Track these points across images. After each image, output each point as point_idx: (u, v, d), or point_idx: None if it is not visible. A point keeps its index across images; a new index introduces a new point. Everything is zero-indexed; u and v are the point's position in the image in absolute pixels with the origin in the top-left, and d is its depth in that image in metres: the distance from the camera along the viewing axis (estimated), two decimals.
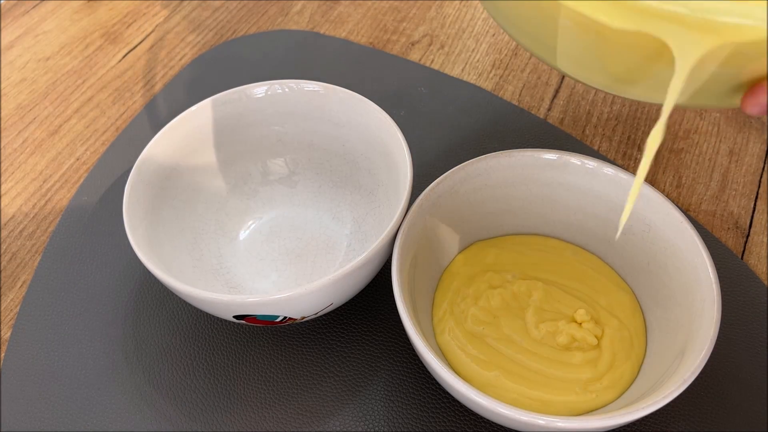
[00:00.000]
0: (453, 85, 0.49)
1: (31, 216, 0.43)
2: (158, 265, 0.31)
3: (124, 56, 0.54)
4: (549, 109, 0.47)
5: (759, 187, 0.42)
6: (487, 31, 0.54)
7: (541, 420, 0.25)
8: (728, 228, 0.40)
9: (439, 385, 0.33)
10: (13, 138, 0.48)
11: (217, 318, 0.37)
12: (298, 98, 0.38)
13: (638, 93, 0.26)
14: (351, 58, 0.52)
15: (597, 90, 0.48)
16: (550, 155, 0.34)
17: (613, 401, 0.31)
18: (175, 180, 0.37)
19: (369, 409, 0.33)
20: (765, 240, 0.39)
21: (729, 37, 0.19)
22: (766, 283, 0.37)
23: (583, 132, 0.46)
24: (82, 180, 0.45)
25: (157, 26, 0.57)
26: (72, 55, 0.55)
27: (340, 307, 0.36)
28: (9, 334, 0.37)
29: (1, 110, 0.50)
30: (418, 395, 0.33)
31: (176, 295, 0.35)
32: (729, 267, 0.37)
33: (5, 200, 0.44)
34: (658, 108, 0.47)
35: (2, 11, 0.59)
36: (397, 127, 0.35)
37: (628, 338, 0.33)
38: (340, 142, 0.39)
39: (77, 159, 0.47)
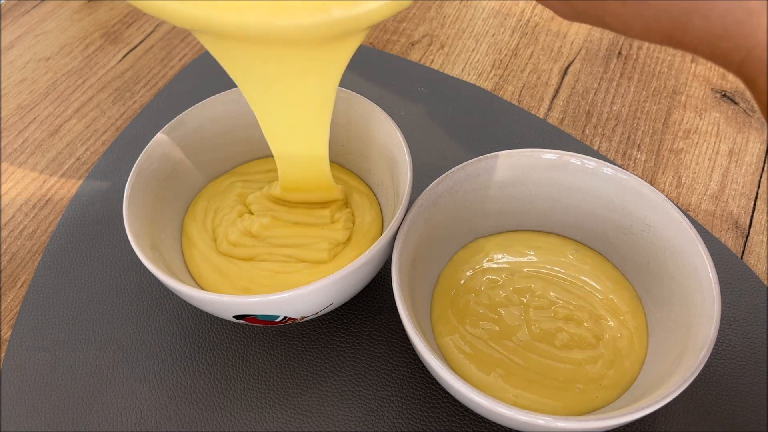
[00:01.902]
0: (453, 85, 0.49)
1: (31, 216, 0.43)
2: (158, 265, 0.31)
3: (124, 56, 0.54)
4: (549, 109, 0.47)
5: (759, 187, 0.42)
6: (487, 31, 0.54)
7: (541, 420, 0.25)
8: (728, 228, 0.40)
9: (439, 385, 0.33)
10: (13, 138, 0.48)
11: (217, 318, 0.37)
12: None
13: None
14: (351, 58, 0.51)
15: (597, 90, 0.48)
16: (550, 155, 0.34)
17: (613, 401, 0.31)
18: (176, 180, 0.37)
19: (369, 409, 0.33)
20: (765, 240, 0.39)
21: None
22: (766, 283, 0.37)
23: (583, 132, 0.46)
24: (82, 180, 0.45)
25: (157, 26, 0.57)
26: (72, 55, 0.55)
27: (340, 307, 0.36)
28: (9, 334, 0.37)
29: (1, 110, 0.50)
30: (418, 395, 0.33)
31: (176, 295, 0.35)
32: (729, 267, 0.37)
33: (5, 200, 0.44)
34: (658, 108, 0.47)
35: (2, 11, 0.59)
36: (397, 127, 0.35)
37: (628, 338, 0.33)
38: (340, 142, 0.39)
39: (77, 159, 0.47)
